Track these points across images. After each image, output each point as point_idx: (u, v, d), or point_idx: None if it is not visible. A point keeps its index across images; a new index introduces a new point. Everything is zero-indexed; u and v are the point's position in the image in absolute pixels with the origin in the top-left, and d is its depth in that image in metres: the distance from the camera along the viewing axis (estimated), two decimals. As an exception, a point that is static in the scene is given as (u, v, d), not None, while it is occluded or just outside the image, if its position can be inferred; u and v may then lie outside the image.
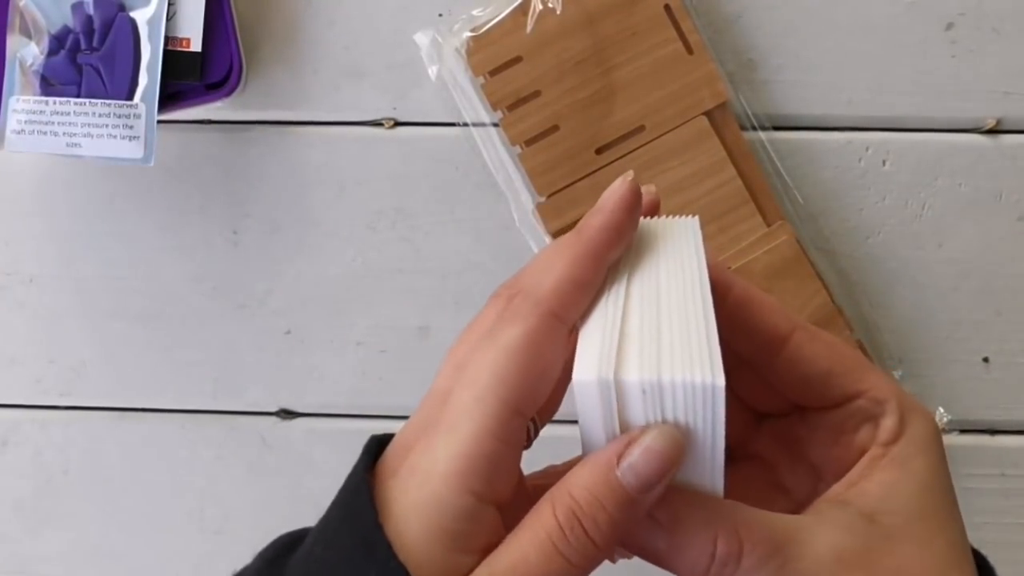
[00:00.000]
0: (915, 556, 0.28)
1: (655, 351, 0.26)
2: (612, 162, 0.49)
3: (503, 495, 0.26)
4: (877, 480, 0.29)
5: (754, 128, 0.50)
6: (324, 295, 0.52)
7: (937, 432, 0.31)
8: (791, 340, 0.30)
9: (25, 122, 0.49)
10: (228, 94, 0.50)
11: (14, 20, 0.49)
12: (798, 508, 0.31)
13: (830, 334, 0.31)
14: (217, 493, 0.54)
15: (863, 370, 0.31)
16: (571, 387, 0.26)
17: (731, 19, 0.50)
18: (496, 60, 0.49)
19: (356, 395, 0.53)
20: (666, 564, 0.28)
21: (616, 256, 0.29)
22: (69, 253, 0.53)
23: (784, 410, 0.33)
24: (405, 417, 0.29)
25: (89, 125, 0.48)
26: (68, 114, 0.49)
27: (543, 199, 0.49)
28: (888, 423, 0.30)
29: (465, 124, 0.50)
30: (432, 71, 0.50)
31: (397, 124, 0.52)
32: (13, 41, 0.49)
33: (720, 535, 0.27)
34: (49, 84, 0.49)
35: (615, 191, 0.28)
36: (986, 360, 0.51)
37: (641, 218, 0.30)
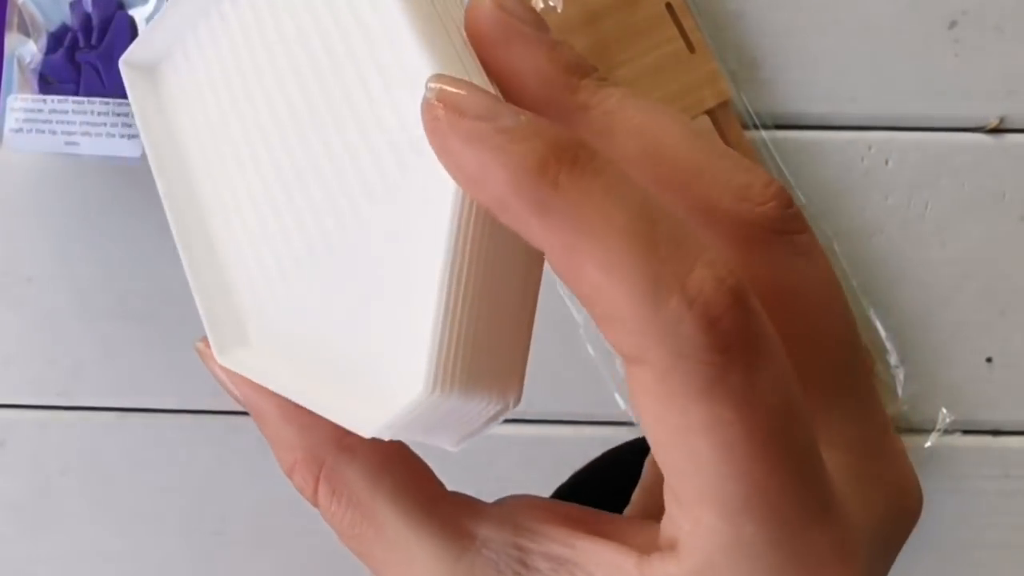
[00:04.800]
0: None
1: None
2: (613, 161, 0.49)
3: None
4: None
5: (756, 127, 0.49)
6: (324, 295, 0.52)
7: None
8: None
9: (23, 120, 0.48)
10: (227, 93, 0.49)
11: (12, 18, 0.49)
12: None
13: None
14: (217, 493, 0.54)
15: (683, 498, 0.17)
16: None
17: (733, 17, 0.50)
18: (497, 58, 0.49)
19: (356, 395, 0.53)
20: None
21: None
22: (67, 252, 0.53)
23: None
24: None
25: (87, 123, 0.48)
26: (66, 112, 0.48)
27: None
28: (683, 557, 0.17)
29: (466, 123, 0.50)
30: (432, 70, 0.50)
31: (397, 123, 0.51)
32: (11, 39, 0.49)
33: (300, 459, 0.20)
34: (47, 82, 0.49)
35: None
36: (989, 360, 0.51)
37: None
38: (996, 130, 0.50)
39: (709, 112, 0.49)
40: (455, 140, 0.16)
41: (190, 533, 0.54)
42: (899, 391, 0.50)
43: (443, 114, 0.16)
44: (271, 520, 0.54)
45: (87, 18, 0.49)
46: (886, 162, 0.50)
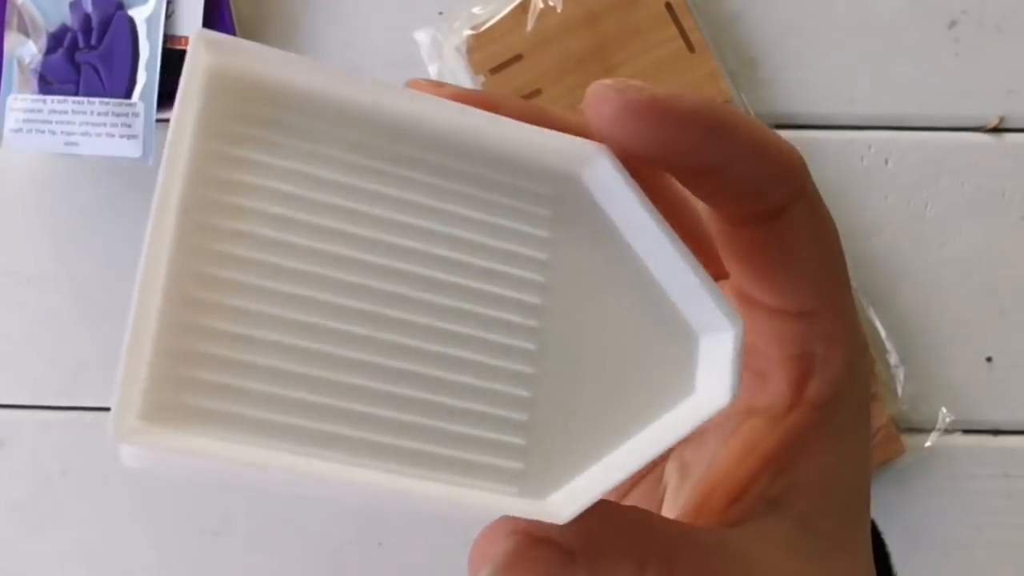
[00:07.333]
0: (847, 571, 0.23)
1: None
2: (613, 161, 0.49)
3: None
4: (811, 468, 0.23)
5: (756, 127, 0.49)
6: (324, 295, 0.52)
7: (866, 370, 0.24)
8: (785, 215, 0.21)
9: (23, 121, 0.48)
10: (227, 93, 0.49)
11: (12, 18, 0.49)
12: None
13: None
14: (217, 493, 0.54)
15: (823, 288, 0.22)
16: None
17: (732, 17, 0.50)
18: (497, 58, 0.49)
19: (356, 395, 0.53)
20: None
21: None
22: (67, 253, 0.53)
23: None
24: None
25: (87, 124, 0.48)
26: (66, 113, 0.48)
27: (544, 198, 0.49)
28: (830, 373, 0.22)
29: (465, 123, 0.50)
30: (432, 69, 0.50)
31: (397, 123, 0.51)
32: (11, 39, 0.49)
33: (650, 565, 0.20)
34: (47, 83, 0.49)
35: None
36: (989, 360, 0.51)
37: None
38: (996, 130, 0.50)
39: (709, 112, 0.49)
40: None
41: (190, 533, 0.54)
42: (899, 391, 0.50)
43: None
44: (271, 520, 0.54)
45: (87, 18, 0.49)
46: (886, 162, 0.50)
